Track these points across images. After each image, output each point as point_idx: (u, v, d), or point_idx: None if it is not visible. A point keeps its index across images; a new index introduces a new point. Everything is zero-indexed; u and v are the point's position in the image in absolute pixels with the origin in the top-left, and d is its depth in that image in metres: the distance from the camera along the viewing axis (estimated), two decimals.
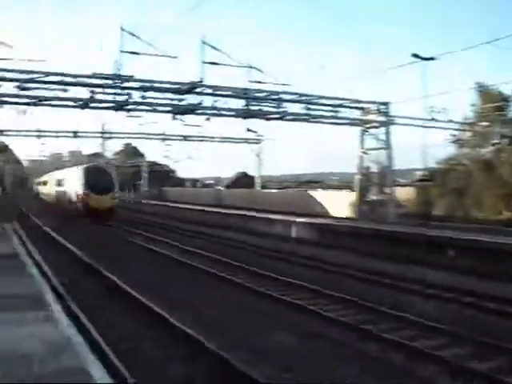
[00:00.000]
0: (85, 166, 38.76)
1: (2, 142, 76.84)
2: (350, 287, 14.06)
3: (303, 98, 27.11)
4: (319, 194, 33.65)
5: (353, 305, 12.21)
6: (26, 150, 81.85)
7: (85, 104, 23.49)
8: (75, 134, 51.20)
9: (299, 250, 21.32)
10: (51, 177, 51.94)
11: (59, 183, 44.20)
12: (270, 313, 11.69)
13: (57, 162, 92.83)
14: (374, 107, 27.89)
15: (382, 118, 27.95)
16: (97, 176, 35.46)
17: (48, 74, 22.33)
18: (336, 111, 27.68)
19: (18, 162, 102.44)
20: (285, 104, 26.71)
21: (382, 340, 9.54)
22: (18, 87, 21.56)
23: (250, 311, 11.80)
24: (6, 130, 48.35)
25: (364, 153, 28.71)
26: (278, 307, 12.16)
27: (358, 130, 28.99)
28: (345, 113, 28.00)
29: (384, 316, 11.16)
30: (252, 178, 60.39)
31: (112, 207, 35.42)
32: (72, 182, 37.43)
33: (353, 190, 31.21)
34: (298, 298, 12.78)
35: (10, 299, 8.47)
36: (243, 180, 67.19)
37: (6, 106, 23.24)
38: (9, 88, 21.57)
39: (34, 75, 21.88)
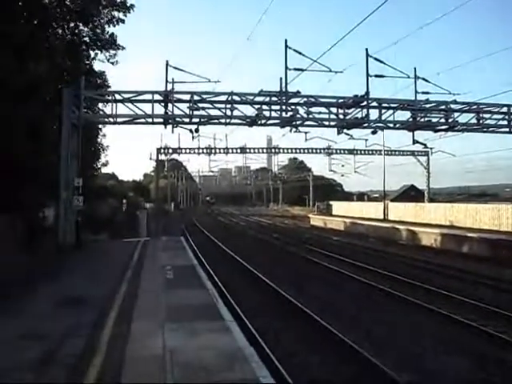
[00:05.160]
0: (207, 195, 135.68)
1: (176, 160, 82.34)
2: None
3: (473, 106, 25.21)
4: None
5: None
6: (198, 167, 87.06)
7: (252, 121, 23.90)
8: (242, 150, 53.18)
9: (479, 269, 19.75)
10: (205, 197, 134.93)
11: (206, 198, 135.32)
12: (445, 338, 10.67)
13: (225, 178, 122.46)
14: None
15: None
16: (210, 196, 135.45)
17: (217, 93, 23.16)
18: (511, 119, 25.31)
19: (191, 178, 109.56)
20: (454, 114, 25.14)
21: None
22: (190, 108, 22.59)
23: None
24: (181, 148, 51.67)
25: None
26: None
27: None
28: None
29: None
30: (419, 190, 57.77)
31: (213, 202, 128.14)
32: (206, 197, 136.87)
33: None
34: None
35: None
36: (410, 193, 64.87)
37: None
38: (183, 108, 22.67)
39: (205, 96, 22.83)
